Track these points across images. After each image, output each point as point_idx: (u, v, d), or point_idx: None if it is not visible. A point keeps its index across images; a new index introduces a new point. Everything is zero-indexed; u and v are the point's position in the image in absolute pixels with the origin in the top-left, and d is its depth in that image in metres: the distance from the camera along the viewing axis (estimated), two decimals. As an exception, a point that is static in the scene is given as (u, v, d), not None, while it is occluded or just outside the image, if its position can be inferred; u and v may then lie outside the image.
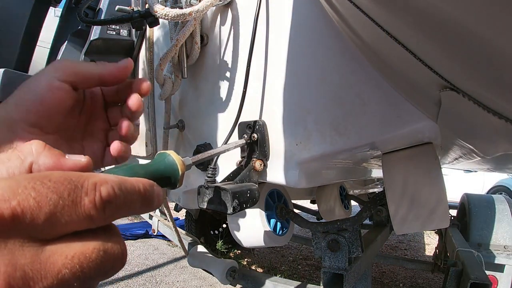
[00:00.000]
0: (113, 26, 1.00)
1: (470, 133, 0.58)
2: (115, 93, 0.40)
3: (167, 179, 0.33)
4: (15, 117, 0.33)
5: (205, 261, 1.66)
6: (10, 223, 0.18)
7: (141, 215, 2.85)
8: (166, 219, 2.37)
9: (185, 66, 0.85)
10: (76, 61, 0.37)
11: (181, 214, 3.73)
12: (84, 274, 0.20)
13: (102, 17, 0.99)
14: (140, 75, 1.14)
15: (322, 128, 0.68)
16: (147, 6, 0.72)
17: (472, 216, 1.94)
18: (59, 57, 1.04)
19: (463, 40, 0.29)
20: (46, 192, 0.19)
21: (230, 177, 0.64)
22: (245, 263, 3.01)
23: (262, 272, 2.78)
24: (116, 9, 0.85)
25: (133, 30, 1.05)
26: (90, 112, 0.40)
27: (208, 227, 2.91)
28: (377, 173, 1.50)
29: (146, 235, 3.49)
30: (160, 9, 0.67)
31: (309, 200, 2.28)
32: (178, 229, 1.91)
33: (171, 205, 2.59)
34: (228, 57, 0.82)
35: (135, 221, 3.90)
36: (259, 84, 0.75)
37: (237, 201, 0.52)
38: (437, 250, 2.31)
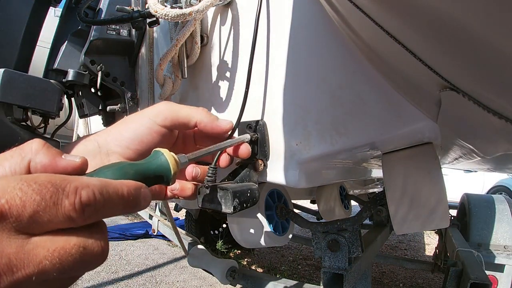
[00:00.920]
0: (113, 26, 1.00)
1: (470, 133, 0.58)
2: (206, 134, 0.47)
3: (160, 177, 0.33)
4: (114, 149, 0.38)
5: (205, 261, 1.66)
6: None
7: (141, 215, 2.86)
8: (166, 219, 2.36)
9: (185, 66, 0.85)
10: (176, 107, 0.42)
11: (181, 214, 3.73)
12: (63, 266, 0.22)
13: (102, 17, 0.99)
14: (140, 75, 1.14)
15: (322, 128, 0.68)
16: (147, 6, 0.72)
17: (472, 216, 1.94)
18: (59, 57, 1.04)
19: (463, 40, 0.29)
20: (31, 193, 0.21)
21: (230, 177, 0.64)
22: (245, 263, 3.01)
23: (262, 272, 2.78)
24: (116, 9, 0.85)
25: (133, 30, 1.05)
26: (182, 144, 0.46)
27: (208, 227, 2.91)
28: (377, 173, 1.50)
29: (146, 235, 3.49)
30: (160, 9, 0.67)
31: (309, 200, 2.28)
32: (178, 229, 1.91)
33: (171, 205, 2.60)
34: (228, 57, 0.82)
35: (135, 221, 3.90)
36: (259, 84, 0.75)
37: (237, 200, 0.52)
38: (437, 250, 2.31)
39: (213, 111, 0.88)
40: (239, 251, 3.20)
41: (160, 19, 0.73)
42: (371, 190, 2.50)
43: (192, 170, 0.46)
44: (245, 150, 0.52)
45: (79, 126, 1.89)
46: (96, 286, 2.30)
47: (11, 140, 0.80)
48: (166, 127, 0.40)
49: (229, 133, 0.48)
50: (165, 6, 0.69)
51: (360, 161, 1.02)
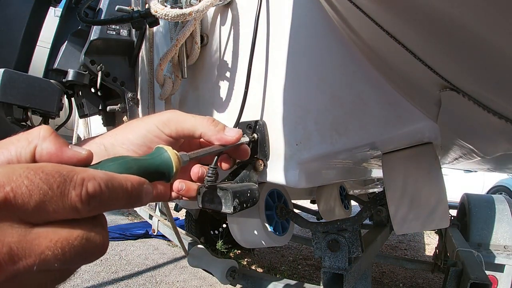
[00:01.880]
0: (113, 26, 1.00)
1: (470, 133, 0.58)
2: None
3: (162, 174, 0.33)
4: (121, 152, 0.38)
5: (205, 261, 1.66)
6: (2, 206, 0.20)
7: (142, 215, 2.86)
8: (166, 219, 2.37)
9: (185, 66, 0.85)
10: (182, 117, 0.43)
11: (181, 214, 3.73)
12: (65, 257, 0.22)
13: (102, 17, 0.99)
14: (140, 75, 1.14)
15: (322, 128, 0.68)
16: (147, 6, 0.72)
17: (472, 216, 1.94)
18: (59, 57, 1.04)
19: (463, 40, 0.29)
20: (38, 182, 0.21)
21: (230, 177, 0.64)
22: (245, 263, 3.01)
23: (262, 272, 2.78)
24: (116, 9, 0.85)
25: (133, 30, 1.05)
26: (188, 147, 0.47)
27: (208, 227, 2.91)
28: (377, 173, 1.50)
29: (146, 235, 3.49)
30: (160, 9, 0.67)
31: (309, 200, 2.28)
32: (178, 229, 1.91)
33: (171, 205, 2.60)
34: (228, 57, 0.82)
35: (135, 221, 3.90)
36: (259, 84, 0.75)
37: (237, 200, 0.52)
38: (437, 250, 2.31)
39: (213, 111, 0.88)
40: (239, 251, 3.20)
41: (160, 19, 0.73)
42: (371, 190, 2.50)
43: (198, 170, 0.46)
44: (243, 151, 0.52)
45: (79, 126, 1.90)
46: (96, 286, 2.30)
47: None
48: (172, 137, 0.42)
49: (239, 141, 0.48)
50: (165, 6, 0.69)
51: (360, 161, 1.02)
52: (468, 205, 2.03)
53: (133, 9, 0.84)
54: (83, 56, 0.98)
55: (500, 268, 1.60)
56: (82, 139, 1.73)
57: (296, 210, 1.40)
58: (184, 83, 0.94)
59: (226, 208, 0.52)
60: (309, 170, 0.75)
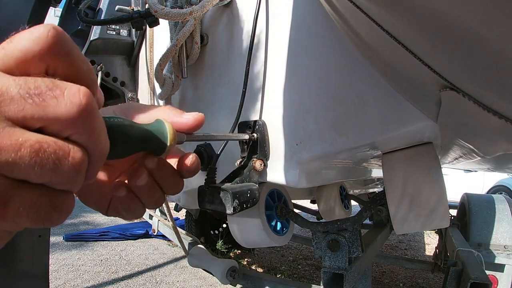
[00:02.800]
0: (113, 26, 1.00)
1: (470, 133, 0.58)
2: None
3: (156, 144, 0.33)
4: None
5: (205, 261, 1.66)
6: None
7: (141, 215, 2.85)
8: (166, 219, 2.37)
9: (185, 66, 0.85)
10: (142, 105, 0.40)
11: (181, 214, 3.73)
12: (37, 163, 0.20)
13: (102, 17, 0.99)
14: (140, 75, 1.14)
15: (322, 128, 0.68)
16: (147, 6, 0.72)
17: (472, 216, 1.94)
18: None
19: (463, 40, 0.29)
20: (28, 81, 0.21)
21: (230, 177, 0.64)
22: (245, 263, 3.01)
23: (262, 272, 2.78)
24: (116, 9, 0.85)
25: (133, 30, 1.05)
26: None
27: (208, 227, 2.92)
28: (377, 173, 1.50)
29: (146, 235, 3.49)
30: (160, 9, 0.67)
31: (309, 200, 2.28)
32: (178, 229, 1.91)
33: (171, 205, 2.60)
34: (228, 57, 0.82)
35: (135, 221, 3.90)
36: (259, 84, 0.75)
37: (237, 201, 0.52)
38: (437, 250, 2.31)
39: (213, 111, 0.88)
40: (239, 251, 3.20)
41: (160, 19, 0.73)
42: (371, 190, 2.50)
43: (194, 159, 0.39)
44: (192, 162, 0.36)
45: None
46: (96, 286, 2.30)
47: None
48: None
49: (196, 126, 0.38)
50: (165, 6, 0.69)
51: (360, 161, 1.02)
52: (468, 205, 2.03)
53: (133, 9, 0.85)
54: (83, 56, 0.98)
55: (500, 268, 1.60)
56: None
57: (296, 210, 1.40)
58: (184, 83, 0.94)
59: (226, 209, 0.52)
60: (309, 170, 0.75)
